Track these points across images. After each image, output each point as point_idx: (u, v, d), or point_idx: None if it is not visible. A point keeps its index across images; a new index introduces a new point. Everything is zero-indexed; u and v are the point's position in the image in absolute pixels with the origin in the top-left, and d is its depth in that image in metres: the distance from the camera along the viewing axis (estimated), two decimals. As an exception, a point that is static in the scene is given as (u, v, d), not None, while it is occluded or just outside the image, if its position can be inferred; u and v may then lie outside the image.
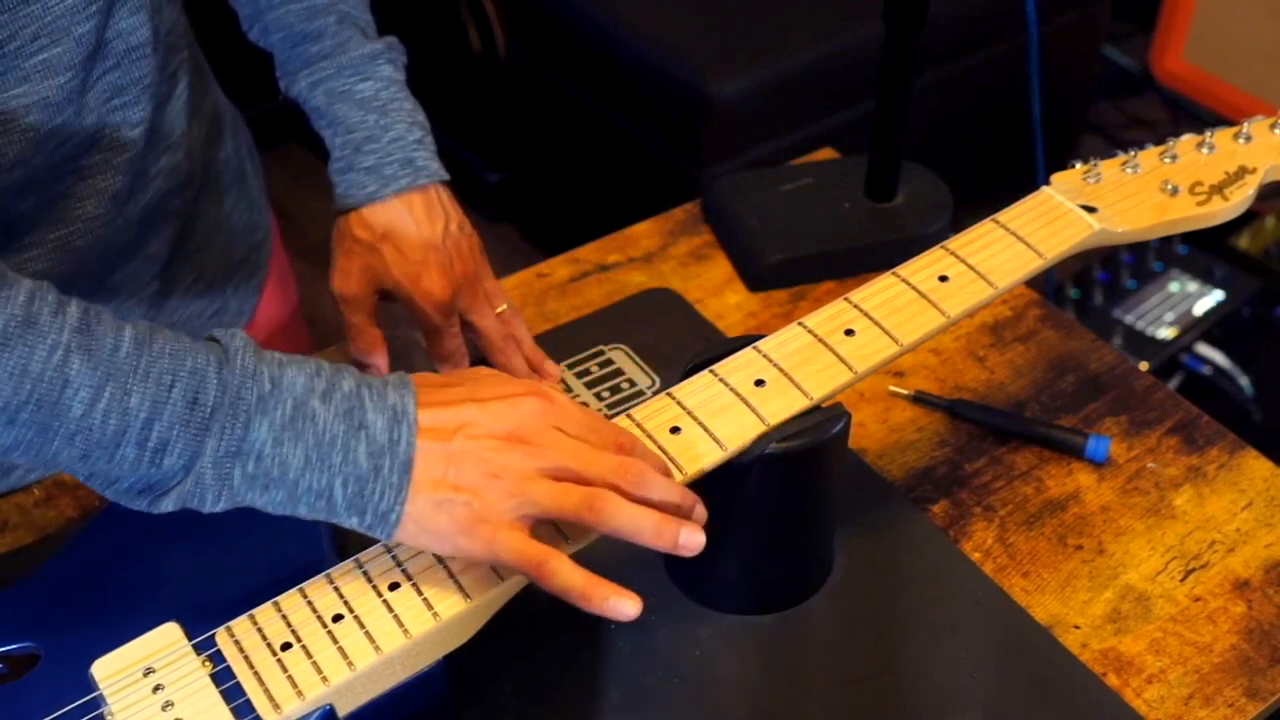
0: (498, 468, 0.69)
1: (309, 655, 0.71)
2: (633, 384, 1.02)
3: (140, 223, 0.94)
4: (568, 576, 0.69)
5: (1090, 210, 0.88)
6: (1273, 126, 0.93)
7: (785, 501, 0.82)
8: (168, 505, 0.67)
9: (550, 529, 0.73)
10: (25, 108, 0.81)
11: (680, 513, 0.73)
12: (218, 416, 0.65)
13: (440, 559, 0.73)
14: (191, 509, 0.67)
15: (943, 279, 0.84)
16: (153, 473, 0.66)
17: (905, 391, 1.03)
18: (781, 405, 0.78)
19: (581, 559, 0.75)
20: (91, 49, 0.83)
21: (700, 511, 0.74)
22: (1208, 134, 0.92)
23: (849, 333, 0.81)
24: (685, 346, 0.97)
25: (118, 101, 0.87)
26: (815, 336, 0.81)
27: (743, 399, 0.79)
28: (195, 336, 1.04)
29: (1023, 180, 1.10)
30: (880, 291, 0.83)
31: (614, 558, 0.87)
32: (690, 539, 0.71)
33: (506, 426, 0.70)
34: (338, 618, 0.72)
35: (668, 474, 0.74)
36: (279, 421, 0.66)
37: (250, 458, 0.66)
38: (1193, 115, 2.81)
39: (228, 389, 0.66)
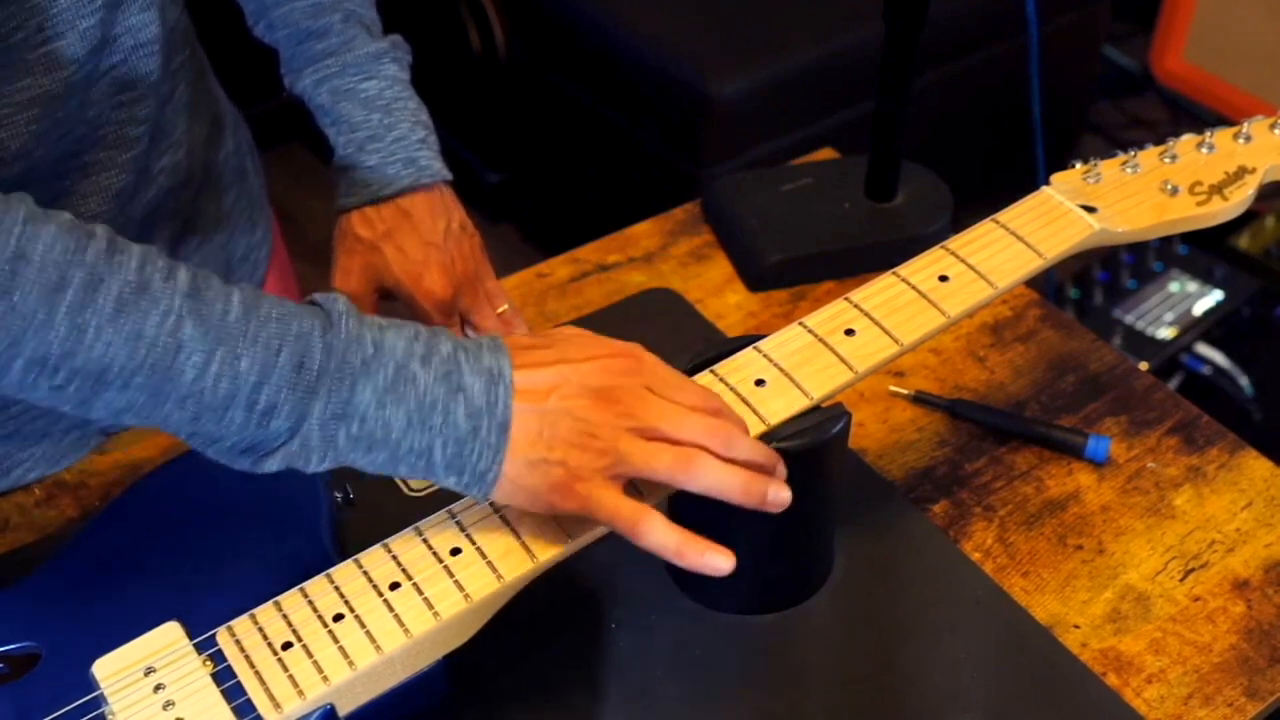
0: (591, 427, 0.70)
1: (310, 655, 0.71)
2: (633, 384, 1.02)
3: (143, 220, 0.94)
4: (662, 534, 0.71)
5: (1090, 210, 0.88)
6: (1272, 126, 0.93)
7: (785, 501, 0.82)
8: (272, 465, 0.68)
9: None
10: (29, 100, 0.81)
11: (765, 471, 0.74)
12: (324, 380, 0.66)
13: (440, 558, 0.73)
14: (295, 468, 0.68)
15: (943, 279, 0.84)
16: (260, 434, 0.67)
17: (905, 391, 1.03)
18: (781, 405, 0.78)
19: (581, 558, 0.75)
20: (96, 42, 0.83)
21: (782, 469, 0.75)
22: (1207, 134, 0.92)
23: (849, 333, 0.81)
24: (685, 346, 0.97)
25: (123, 97, 0.87)
26: (815, 336, 0.81)
27: (743, 399, 0.79)
28: None
29: (1023, 180, 1.10)
30: (880, 291, 0.83)
31: (613, 558, 0.87)
32: (777, 495, 0.73)
33: (599, 386, 0.71)
34: (338, 617, 0.72)
35: (748, 430, 0.76)
36: (382, 384, 0.67)
37: (355, 420, 0.67)
38: (1193, 115, 2.81)
39: (333, 353, 0.67)
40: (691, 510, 0.83)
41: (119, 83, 0.87)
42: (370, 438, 0.68)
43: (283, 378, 0.66)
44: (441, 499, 0.76)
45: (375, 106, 0.94)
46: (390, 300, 0.95)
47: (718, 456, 0.72)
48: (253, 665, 0.71)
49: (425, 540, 0.74)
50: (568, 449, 0.70)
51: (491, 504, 0.75)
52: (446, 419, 0.68)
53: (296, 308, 0.68)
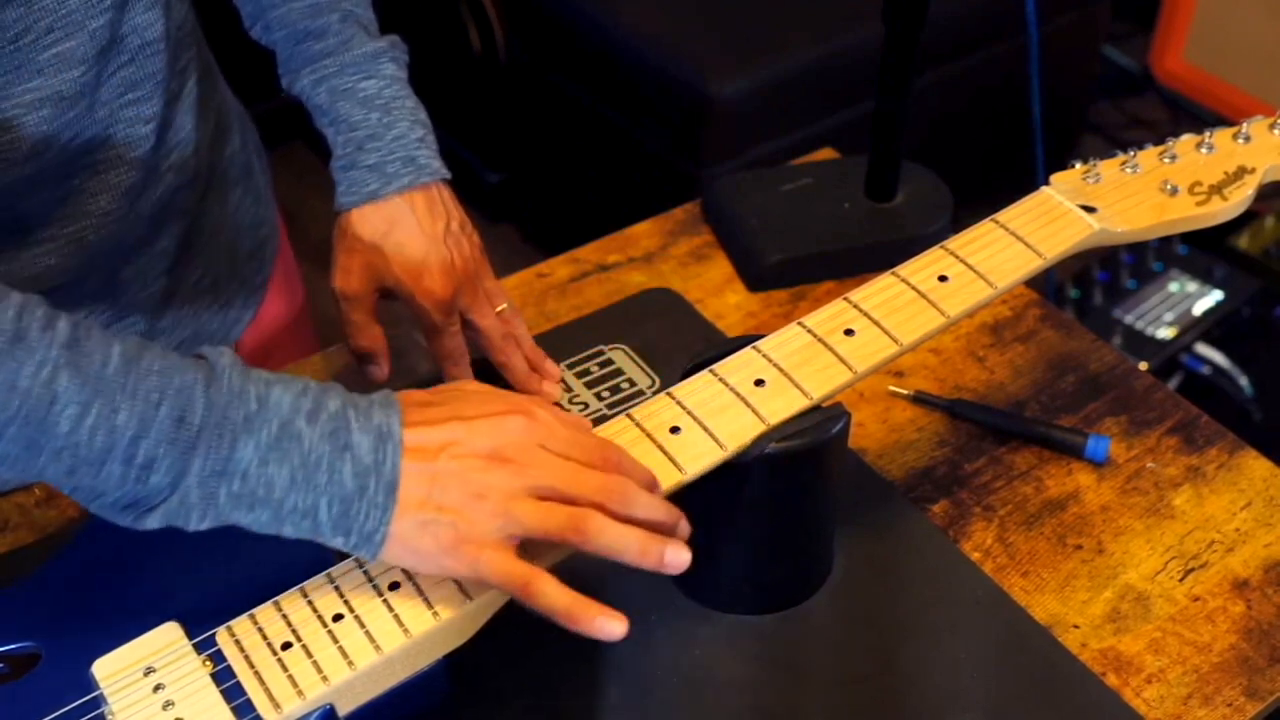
0: (482, 487, 0.69)
1: (309, 655, 0.71)
2: (633, 384, 1.02)
3: (151, 218, 0.94)
4: (553, 597, 0.69)
5: (1090, 210, 0.88)
6: (1272, 127, 0.93)
7: (785, 501, 0.82)
8: (153, 522, 0.67)
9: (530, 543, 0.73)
10: (39, 101, 0.81)
11: (664, 529, 0.73)
12: (204, 435, 0.65)
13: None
14: (176, 526, 0.67)
15: (942, 279, 0.84)
16: (139, 489, 0.65)
17: (905, 391, 1.03)
18: (781, 405, 0.79)
19: (581, 558, 0.75)
20: (105, 43, 0.84)
21: (684, 527, 0.74)
22: (1207, 134, 0.92)
23: (849, 333, 0.82)
24: (685, 346, 0.97)
25: (130, 97, 0.87)
26: (815, 336, 0.81)
27: (743, 399, 0.79)
28: (201, 332, 1.05)
29: (1023, 180, 1.10)
30: (880, 291, 0.83)
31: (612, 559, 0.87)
32: (675, 557, 0.72)
33: (491, 445, 0.69)
34: (338, 617, 0.72)
35: (654, 487, 0.74)
36: (265, 441, 0.66)
37: (236, 477, 0.66)
38: (1192, 115, 2.81)
39: (214, 408, 0.65)
40: (691, 510, 0.84)
41: (127, 82, 0.87)
42: (252, 496, 0.66)
43: (162, 432, 0.64)
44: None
45: (374, 105, 0.94)
46: (390, 299, 0.95)
47: (615, 515, 0.70)
48: (252, 665, 0.71)
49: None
50: (457, 510, 0.68)
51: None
52: (332, 477, 0.67)
53: (180, 361, 0.67)
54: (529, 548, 0.71)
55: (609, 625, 0.69)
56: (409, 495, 0.68)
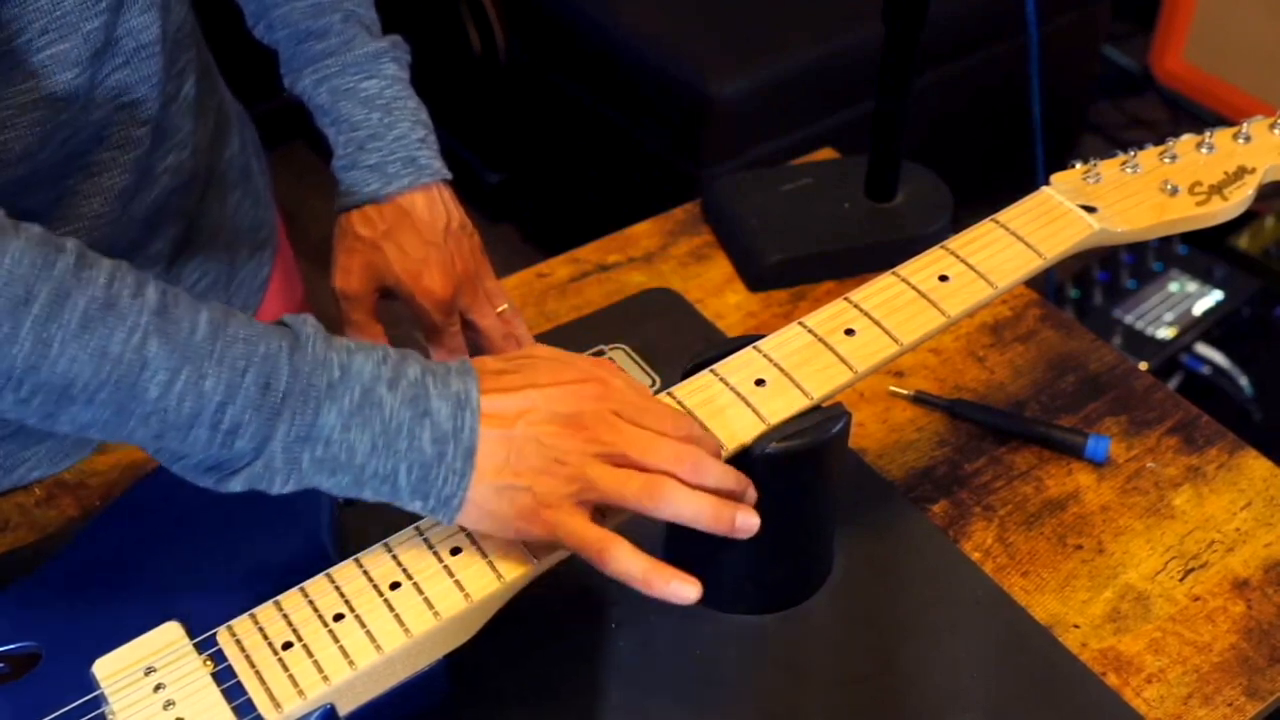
0: (559, 453, 0.70)
1: (310, 654, 0.71)
2: (633, 384, 1.02)
3: (145, 221, 0.94)
4: (629, 561, 0.70)
5: (1090, 210, 0.88)
6: (1272, 126, 0.93)
7: (785, 501, 0.82)
8: (236, 485, 0.68)
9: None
10: (32, 102, 0.81)
11: (734, 496, 0.74)
12: (289, 402, 0.66)
13: (440, 558, 0.73)
14: (259, 490, 0.69)
15: (943, 279, 0.84)
16: (224, 454, 0.67)
17: (905, 391, 1.03)
18: (781, 405, 0.79)
19: (581, 558, 0.75)
20: (100, 45, 0.83)
21: (752, 494, 0.75)
22: (1207, 134, 0.92)
23: (849, 332, 0.82)
24: (685, 346, 0.97)
25: (126, 99, 0.87)
26: (815, 336, 0.81)
27: (743, 399, 0.79)
28: None
29: (1023, 180, 1.10)
30: (880, 291, 0.83)
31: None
32: (746, 521, 0.73)
33: (566, 411, 0.71)
34: (339, 617, 0.72)
35: (720, 453, 0.76)
36: (347, 408, 0.67)
37: (319, 443, 0.67)
38: (1192, 115, 2.81)
39: (299, 375, 0.67)
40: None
41: (122, 85, 0.87)
42: (335, 461, 0.68)
43: (248, 399, 0.66)
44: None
45: (375, 106, 0.94)
46: (391, 299, 0.95)
47: (687, 483, 0.71)
48: (253, 665, 0.71)
49: (426, 539, 0.74)
50: (534, 475, 0.70)
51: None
52: (412, 443, 0.68)
53: (265, 328, 0.68)
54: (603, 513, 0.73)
55: (683, 589, 0.71)
56: (487, 461, 0.69)
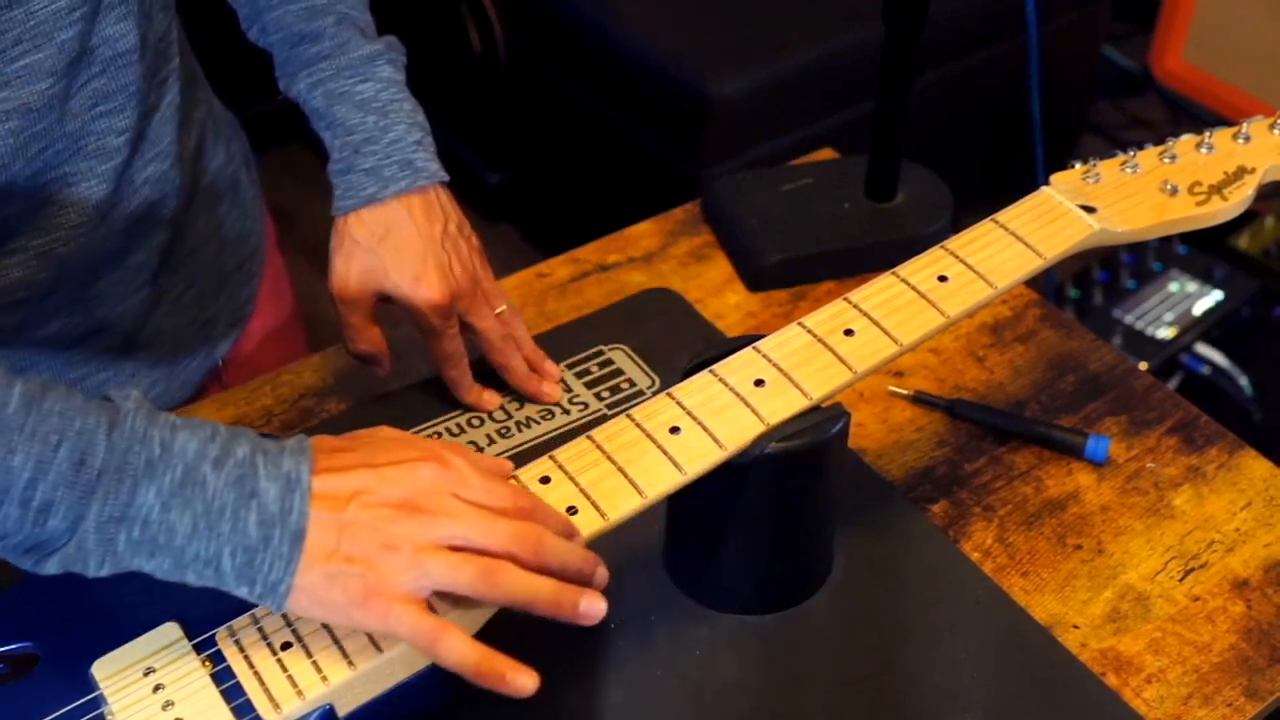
0: (392, 538, 0.66)
1: (309, 655, 0.71)
2: (633, 384, 1.02)
3: (125, 231, 0.93)
4: (462, 653, 0.67)
5: (1090, 210, 0.88)
6: (1272, 127, 0.93)
7: (785, 501, 0.82)
8: (52, 568, 0.65)
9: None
10: (6, 113, 0.81)
11: (582, 578, 0.71)
12: (104, 480, 0.64)
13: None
14: (75, 572, 0.66)
15: (942, 279, 0.84)
16: (37, 533, 0.64)
17: (905, 391, 1.03)
18: (781, 405, 0.78)
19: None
20: (75, 55, 0.83)
21: (602, 574, 0.72)
22: (1207, 134, 0.92)
23: (849, 333, 0.81)
24: (685, 346, 0.97)
25: (103, 108, 0.87)
26: (815, 336, 0.81)
27: (742, 399, 0.79)
28: (185, 347, 1.04)
29: (1023, 180, 1.10)
30: (880, 291, 0.83)
31: (613, 558, 0.87)
32: (590, 607, 0.70)
33: (401, 494, 0.68)
34: (338, 617, 0.72)
35: (571, 534, 0.72)
36: (167, 487, 0.64)
37: (136, 523, 0.64)
38: (1192, 115, 2.81)
39: (115, 451, 0.64)
40: (691, 510, 0.84)
41: (99, 94, 0.86)
42: (153, 543, 0.65)
43: (60, 475, 0.63)
44: (441, 499, 0.76)
45: (370, 109, 0.94)
46: (389, 302, 0.95)
47: (528, 565, 0.68)
48: (252, 665, 0.71)
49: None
50: (367, 561, 0.66)
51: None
52: (236, 526, 0.65)
53: (84, 403, 0.65)
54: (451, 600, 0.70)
55: (519, 680, 0.68)
56: (316, 546, 0.66)
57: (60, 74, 0.83)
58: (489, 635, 0.73)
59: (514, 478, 0.75)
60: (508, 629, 0.75)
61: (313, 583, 0.66)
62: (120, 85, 0.87)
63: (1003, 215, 0.88)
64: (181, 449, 0.65)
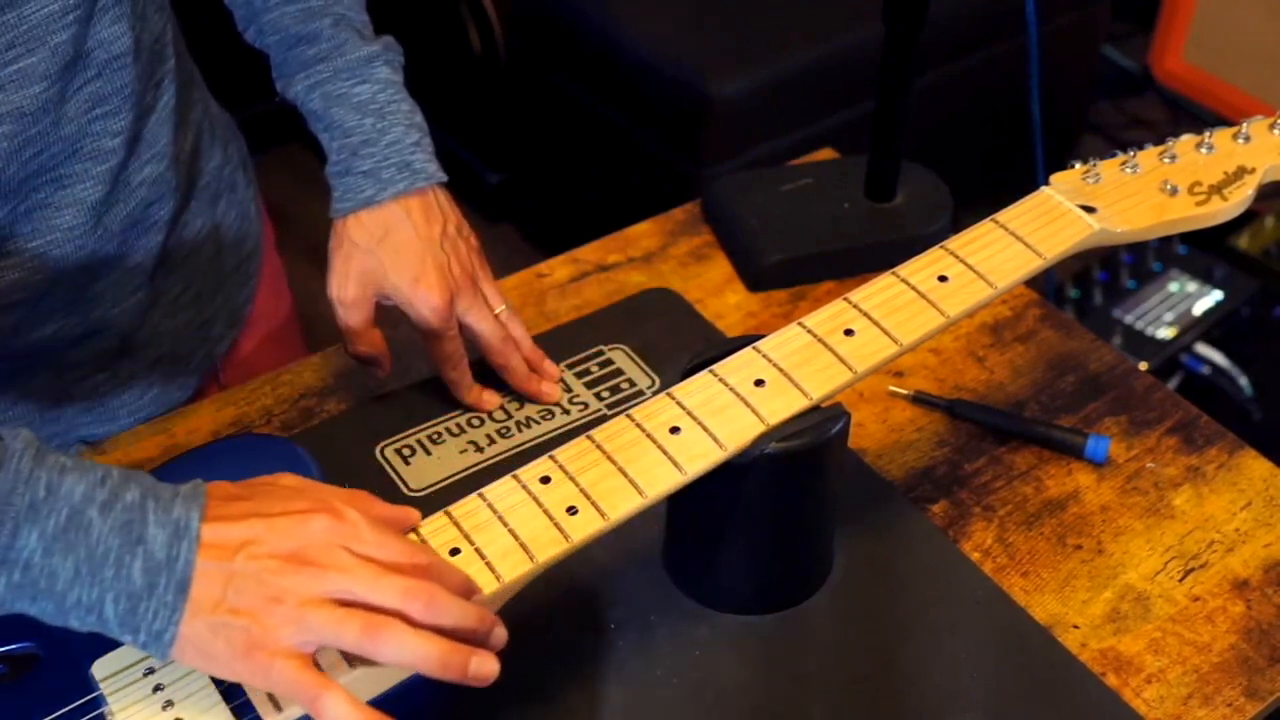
0: (278, 591, 0.65)
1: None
2: (633, 384, 1.02)
3: (121, 233, 0.93)
4: (342, 713, 0.64)
5: (1090, 210, 0.88)
6: (1272, 127, 0.93)
7: (785, 501, 0.82)
8: None
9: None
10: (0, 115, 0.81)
11: (476, 638, 0.69)
12: None
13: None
14: None
15: (942, 279, 0.84)
16: None
17: (905, 391, 1.03)
18: (781, 405, 0.78)
19: (581, 558, 0.75)
20: (69, 58, 0.83)
21: (499, 635, 0.70)
22: (1207, 134, 0.92)
23: (849, 333, 0.81)
24: (685, 346, 0.97)
25: (98, 111, 0.87)
26: (815, 336, 0.81)
27: (743, 399, 0.79)
28: (182, 348, 1.04)
29: (1023, 180, 1.10)
30: (880, 291, 0.83)
31: (613, 558, 0.87)
32: (480, 669, 0.68)
33: (291, 546, 0.66)
34: (338, 618, 0.72)
35: (469, 591, 0.70)
36: (51, 530, 0.63)
37: (16, 567, 0.63)
38: (1192, 115, 2.81)
39: None
40: (691, 510, 0.84)
41: (95, 97, 0.86)
42: (34, 587, 0.63)
43: None
44: (441, 499, 0.76)
45: (368, 111, 0.94)
46: (389, 303, 0.95)
47: (418, 623, 0.66)
48: (252, 666, 0.71)
49: (424, 541, 0.74)
50: (252, 614, 0.64)
51: (490, 506, 0.75)
52: (119, 573, 0.63)
53: None
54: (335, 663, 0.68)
55: None
56: (202, 595, 0.64)
57: (55, 78, 0.82)
58: (489, 635, 0.74)
59: (415, 531, 0.73)
60: (508, 630, 0.75)
61: (197, 633, 0.64)
62: (116, 88, 0.87)
63: (1003, 215, 0.88)
64: (68, 492, 0.64)
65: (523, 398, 0.99)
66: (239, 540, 0.65)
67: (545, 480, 0.76)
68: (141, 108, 0.90)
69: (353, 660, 0.68)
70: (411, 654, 0.66)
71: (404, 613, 0.66)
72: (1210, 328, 2.03)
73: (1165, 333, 2.02)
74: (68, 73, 0.83)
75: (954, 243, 0.86)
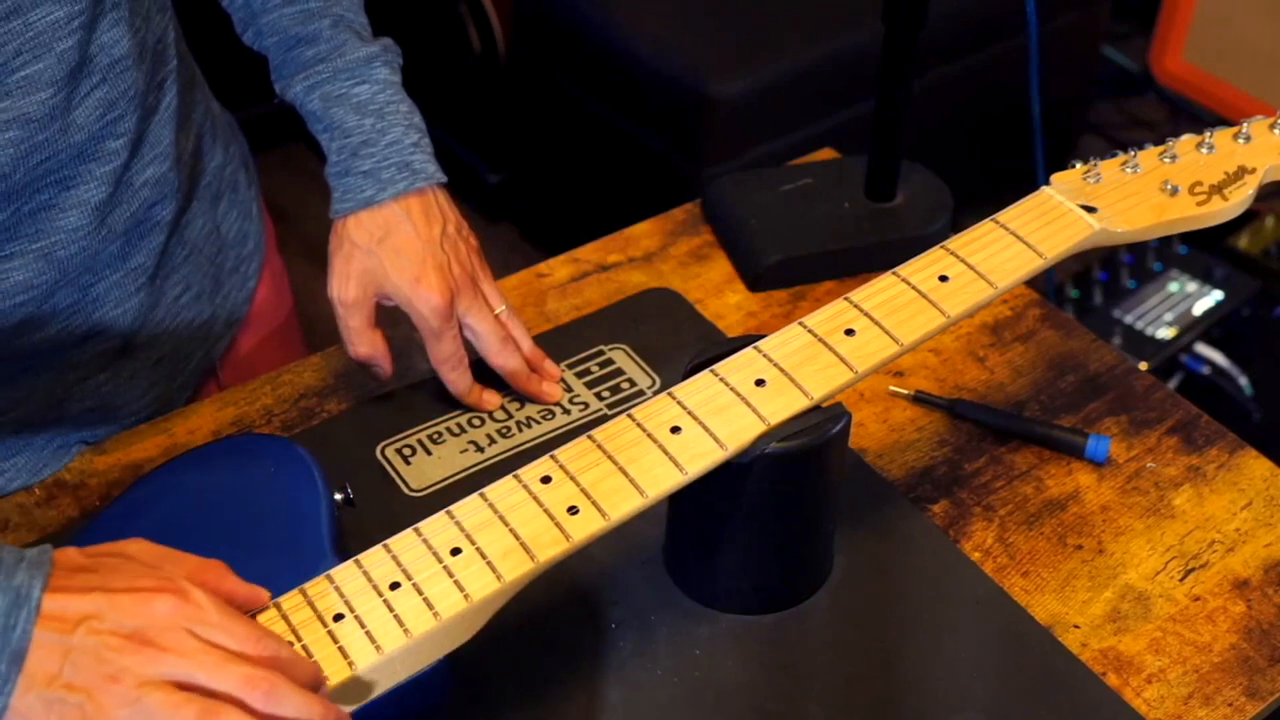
0: (116, 670, 0.63)
1: (309, 655, 0.71)
2: (633, 384, 1.02)
3: (124, 234, 0.93)
4: None
5: (1090, 210, 0.88)
6: (1272, 127, 0.93)
7: (785, 501, 0.82)
8: None
9: None
10: (5, 123, 0.81)
11: None
12: None
13: (440, 558, 0.73)
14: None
15: (943, 279, 0.84)
16: None
17: (905, 391, 1.03)
18: (782, 405, 0.78)
19: (581, 558, 0.75)
20: (75, 64, 0.83)
21: None
22: (1207, 134, 0.92)
23: (849, 333, 0.81)
24: (685, 346, 0.97)
25: (104, 115, 0.87)
26: (815, 336, 0.81)
27: (743, 399, 0.79)
28: (183, 348, 1.04)
29: (1023, 180, 1.10)
30: (880, 291, 0.83)
31: (613, 558, 0.87)
32: None
33: (133, 625, 0.64)
34: (338, 617, 0.72)
35: (316, 683, 0.68)
36: None
37: None
38: (1192, 115, 2.81)
39: None
40: (692, 510, 0.84)
41: (101, 102, 0.86)
42: None
43: None
44: (441, 499, 0.76)
45: (368, 111, 0.94)
46: (390, 303, 0.95)
47: (257, 712, 0.64)
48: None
49: (425, 540, 0.74)
50: (87, 691, 0.62)
51: (491, 506, 0.75)
52: None
53: None
54: None
55: None
56: (37, 668, 0.62)
57: (61, 84, 0.83)
58: (487, 634, 0.74)
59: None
60: (508, 629, 0.75)
61: (30, 706, 0.62)
62: (120, 91, 0.87)
63: (1003, 215, 0.88)
64: None
65: (523, 398, 1.00)
66: (80, 614, 0.63)
67: (546, 480, 0.76)
68: (145, 109, 0.90)
69: None
70: None
71: (243, 701, 0.64)
72: (1210, 328, 2.03)
73: (1165, 333, 2.02)
74: (73, 78, 0.84)
75: (954, 243, 0.86)
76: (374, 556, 0.74)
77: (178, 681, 0.63)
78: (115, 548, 0.68)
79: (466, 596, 0.72)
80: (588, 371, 1.03)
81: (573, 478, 0.76)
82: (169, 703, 0.63)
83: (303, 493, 0.81)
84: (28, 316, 0.91)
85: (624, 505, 0.75)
